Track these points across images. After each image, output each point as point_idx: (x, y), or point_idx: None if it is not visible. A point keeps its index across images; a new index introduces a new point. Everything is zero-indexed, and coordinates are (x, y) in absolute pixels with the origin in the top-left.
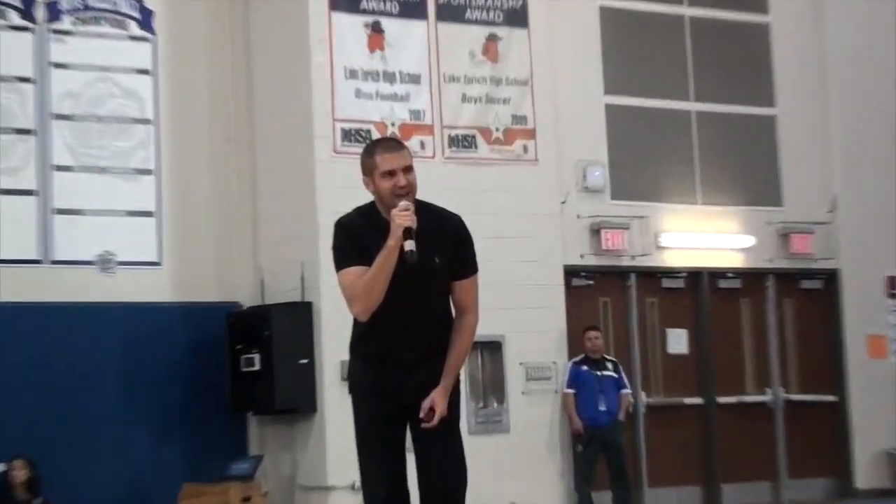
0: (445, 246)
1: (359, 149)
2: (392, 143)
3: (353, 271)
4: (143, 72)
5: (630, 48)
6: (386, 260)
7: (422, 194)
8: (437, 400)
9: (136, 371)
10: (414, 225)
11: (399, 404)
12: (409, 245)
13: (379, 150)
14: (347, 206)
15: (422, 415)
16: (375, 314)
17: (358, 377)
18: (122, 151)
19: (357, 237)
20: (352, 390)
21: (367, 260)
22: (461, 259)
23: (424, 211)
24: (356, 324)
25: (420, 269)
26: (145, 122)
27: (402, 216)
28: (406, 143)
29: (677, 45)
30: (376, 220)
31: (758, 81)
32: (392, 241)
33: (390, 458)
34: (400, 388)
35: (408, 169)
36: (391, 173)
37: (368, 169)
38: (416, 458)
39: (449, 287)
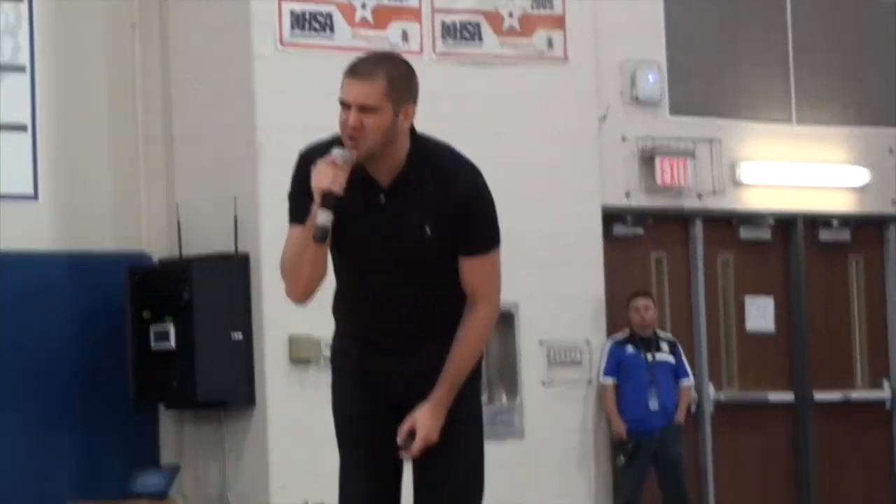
0: (445, 212)
1: (313, 39)
2: (363, 65)
3: (296, 232)
4: None
5: None
6: (308, 239)
7: None
8: (420, 421)
9: (0, 345)
10: (337, 189)
11: (388, 397)
12: (323, 219)
13: (347, 70)
14: (297, 120)
15: (399, 440)
16: (346, 286)
17: (337, 354)
18: None
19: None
20: (332, 363)
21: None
22: (468, 231)
23: (420, 158)
24: (334, 297)
25: (405, 244)
26: None
27: (320, 172)
28: (391, 67)
29: None
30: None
31: None
32: (314, 208)
33: (375, 465)
34: (388, 376)
35: (365, 109)
36: (343, 104)
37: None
38: (413, 471)
39: (454, 262)
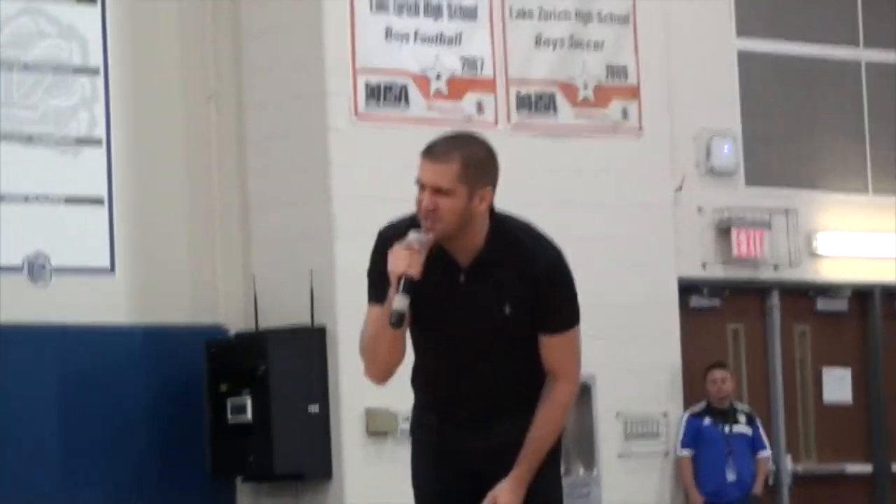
0: (524, 292)
1: (389, 111)
2: (439, 147)
3: (375, 312)
4: (87, 0)
5: None
6: (383, 316)
7: None
8: (500, 497)
9: (78, 419)
10: (413, 273)
11: (466, 470)
12: (399, 303)
13: (424, 150)
14: (372, 192)
15: None
16: (424, 361)
17: (416, 426)
18: (59, 112)
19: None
20: (412, 434)
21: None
22: (548, 309)
23: (499, 237)
24: (413, 373)
25: (484, 324)
26: (91, 71)
27: (396, 256)
28: (468, 149)
29: None
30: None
31: None
32: (391, 292)
33: None
34: (466, 449)
35: (439, 192)
36: (419, 184)
37: None
38: None
39: (533, 340)
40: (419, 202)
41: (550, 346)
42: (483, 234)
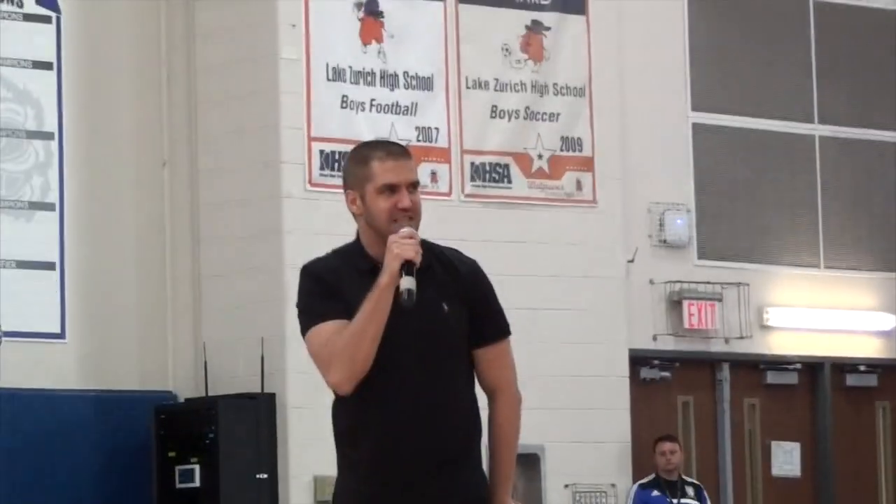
0: (459, 293)
1: (340, 180)
2: (395, 147)
3: (329, 327)
4: (43, 65)
5: (729, 46)
6: (377, 304)
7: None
8: None
9: (26, 485)
10: (418, 259)
11: None
12: (407, 283)
13: (377, 155)
14: None
15: None
16: (362, 394)
17: (341, 490)
18: (12, 177)
19: (332, 285)
20: None
21: (346, 315)
22: (485, 312)
23: (426, 248)
24: (337, 414)
25: (425, 322)
26: (45, 135)
27: (404, 244)
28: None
29: (796, 44)
30: (361, 260)
31: None
32: (386, 278)
33: None
34: None
35: (413, 186)
36: (392, 188)
37: (358, 180)
38: None
39: (469, 357)
40: (392, 206)
41: (493, 357)
42: None
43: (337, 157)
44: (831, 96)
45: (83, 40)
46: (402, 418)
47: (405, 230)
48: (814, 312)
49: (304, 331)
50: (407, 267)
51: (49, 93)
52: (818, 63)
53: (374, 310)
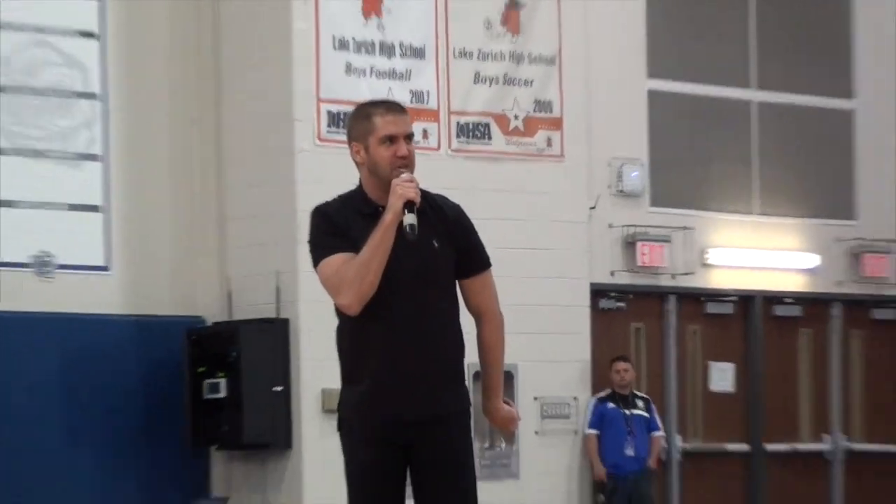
0: (446, 232)
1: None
2: (393, 104)
3: (338, 258)
4: (88, 34)
5: (681, 21)
6: (382, 237)
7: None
8: (504, 412)
9: (77, 395)
10: (418, 199)
11: (398, 441)
12: (410, 219)
13: (379, 111)
14: None
15: (512, 427)
16: (366, 318)
17: (344, 403)
18: (63, 132)
19: (340, 224)
20: (341, 428)
21: (353, 249)
22: (469, 247)
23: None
24: (342, 336)
25: (418, 256)
26: (90, 96)
27: (406, 186)
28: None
29: (738, 20)
30: (364, 204)
31: (834, 68)
32: (390, 215)
33: None
34: (396, 422)
35: (409, 137)
36: (391, 139)
37: (361, 133)
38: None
39: (455, 288)
40: (392, 154)
41: (478, 285)
42: None
43: (342, 116)
44: (767, 64)
45: (123, 13)
46: (400, 336)
47: (406, 174)
48: (748, 252)
49: (315, 262)
50: (409, 205)
51: (94, 58)
52: (759, 34)
53: (379, 242)
